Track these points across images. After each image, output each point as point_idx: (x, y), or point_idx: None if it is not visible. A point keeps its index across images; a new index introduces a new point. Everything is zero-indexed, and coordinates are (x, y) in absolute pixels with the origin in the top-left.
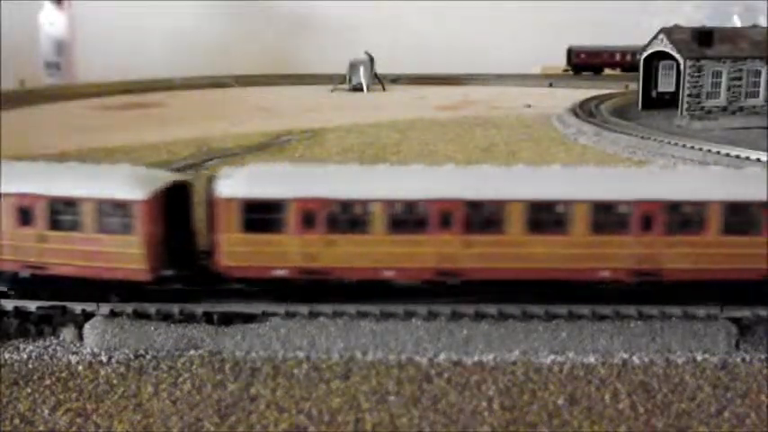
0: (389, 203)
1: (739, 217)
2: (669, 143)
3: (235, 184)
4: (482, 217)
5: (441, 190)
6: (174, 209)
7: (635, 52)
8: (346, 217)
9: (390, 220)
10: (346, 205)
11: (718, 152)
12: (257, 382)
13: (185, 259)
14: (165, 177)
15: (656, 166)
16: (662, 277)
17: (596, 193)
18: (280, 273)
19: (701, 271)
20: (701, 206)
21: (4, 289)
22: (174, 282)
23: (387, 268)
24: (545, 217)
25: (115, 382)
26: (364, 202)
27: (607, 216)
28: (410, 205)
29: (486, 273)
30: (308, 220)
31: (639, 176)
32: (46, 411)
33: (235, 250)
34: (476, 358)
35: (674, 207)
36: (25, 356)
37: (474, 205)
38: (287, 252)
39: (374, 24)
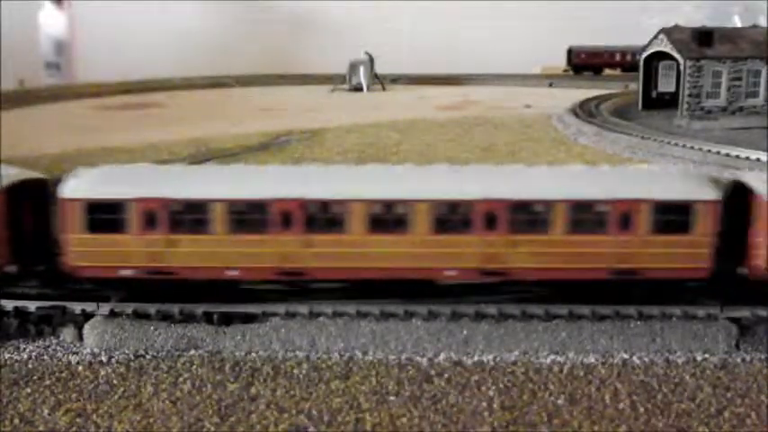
0: (232, 203)
1: (585, 216)
2: (669, 143)
3: (79, 184)
4: (324, 217)
5: (281, 190)
6: (32, 207)
7: (635, 52)
8: (188, 217)
9: (232, 220)
10: (188, 205)
11: (718, 152)
12: (257, 382)
13: (43, 257)
14: (17, 175)
15: (508, 165)
16: (509, 276)
17: (438, 193)
18: (126, 272)
19: (547, 270)
20: (547, 205)
21: None
22: (23, 278)
23: (229, 268)
24: (386, 216)
25: (115, 382)
26: (205, 203)
27: (450, 215)
28: (252, 205)
29: (329, 273)
30: (150, 221)
31: (484, 175)
32: (46, 411)
33: (81, 250)
34: (476, 358)
35: (519, 207)
36: (25, 356)
37: (315, 205)
38: (131, 252)
39: (374, 24)
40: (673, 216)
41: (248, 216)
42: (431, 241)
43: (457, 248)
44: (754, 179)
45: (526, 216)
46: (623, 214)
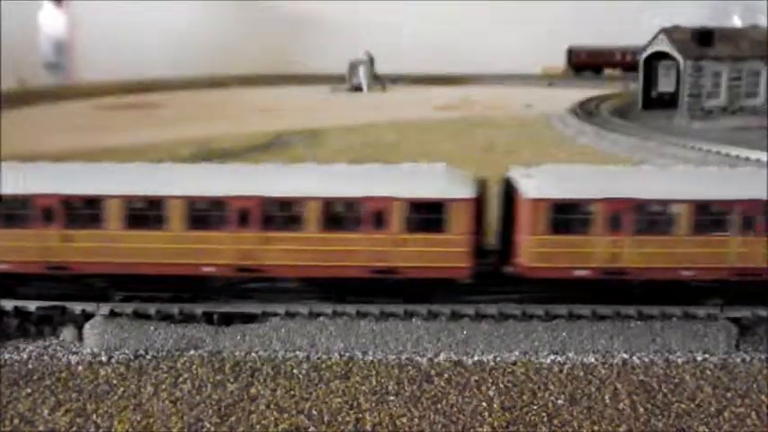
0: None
1: (339, 214)
2: (669, 143)
3: None
4: (79, 212)
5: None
6: None
7: (635, 52)
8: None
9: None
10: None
11: (718, 152)
12: (257, 382)
13: None
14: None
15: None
16: (265, 273)
17: (192, 190)
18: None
19: (304, 267)
20: (301, 203)
21: None
22: None
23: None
24: (145, 213)
25: (115, 382)
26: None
27: (205, 212)
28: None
29: (89, 267)
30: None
31: (241, 173)
32: (46, 411)
33: None
34: (476, 358)
35: (274, 204)
36: (25, 356)
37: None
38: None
39: (374, 24)
40: (427, 214)
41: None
42: (187, 237)
43: (212, 245)
44: (521, 176)
45: (280, 213)
46: (377, 212)
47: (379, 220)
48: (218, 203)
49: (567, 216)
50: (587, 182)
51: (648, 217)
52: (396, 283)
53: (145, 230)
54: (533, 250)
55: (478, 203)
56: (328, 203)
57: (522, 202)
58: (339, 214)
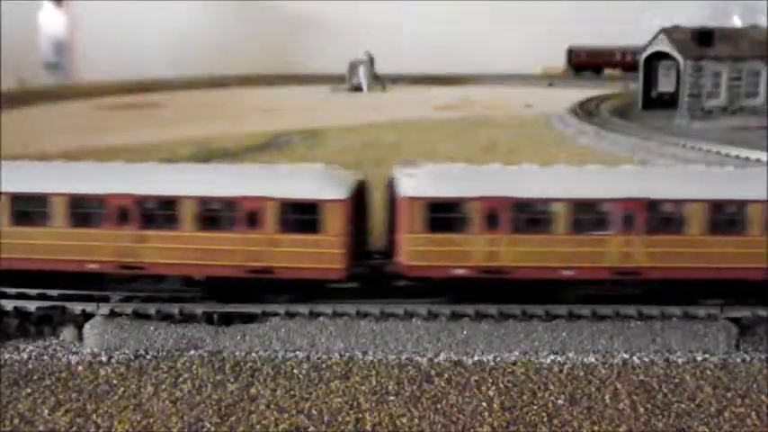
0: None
1: (215, 213)
2: (669, 143)
3: None
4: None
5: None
6: None
7: (635, 52)
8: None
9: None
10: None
11: (718, 152)
12: (257, 382)
13: None
14: None
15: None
16: (145, 271)
17: (75, 188)
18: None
19: (180, 266)
20: (175, 202)
21: None
22: None
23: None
24: (32, 210)
25: (115, 382)
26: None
27: (88, 210)
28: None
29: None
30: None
31: (127, 172)
32: (46, 411)
33: None
34: (476, 358)
35: (151, 202)
36: (25, 356)
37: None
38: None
39: (374, 24)
40: (301, 215)
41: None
42: (69, 234)
43: (94, 242)
44: (403, 175)
45: (157, 212)
46: (251, 212)
47: (253, 219)
48: (98, 201)
49: (444, 215)
50: (466, 181)
51: (526, 216)
52: (275, 282)
53: (30, 227)
54: (411, 249)
55: (354, 204)
56: (204, 202)
57: (399, 201)
58: (215, 213)
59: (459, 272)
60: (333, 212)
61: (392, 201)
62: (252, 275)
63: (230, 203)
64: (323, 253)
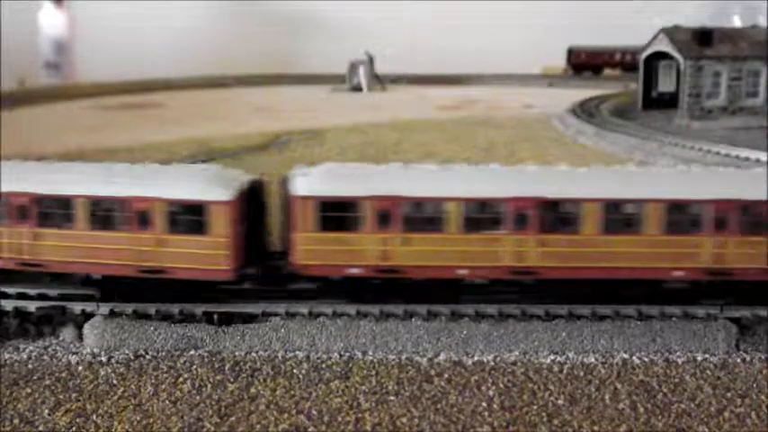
0: None
1: (109, 213)
2: (669, 143)
3: None
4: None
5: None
6: None
7: (635, 52)
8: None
9: None
10: None
11: (718, 152)
12: (257, 382)
13: None
14: None
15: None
16: (43, 268)
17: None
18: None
19: (76, 264)
20: (69, 201)
21: None
22: None
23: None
24: None
25: (115, 382)
26: None
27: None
28: None
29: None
30: None
31: (30, 170)
32: (46, 411)
33: None
34: (476, 358)
35: (47, 201)
36: (25, 356)
37: None
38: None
39: (375, 24)
40: (189, 216)
41: None
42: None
43: (5, 239)
44: (298, 175)
45: (53, 210)
46: (142, 212)
47: (144, 220)
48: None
49: (336, 214)
50: (360, 180)
51: (419, 215)
52: (168, 282)
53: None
54: (304, 248)
55: (243, 205)
56: (96, 202)
57: (292, 200)
58: (108, 213)
59: (354, 271)
60: (218, 214)
61: (286, 200)
62: (145, 275)
63: (121, 203)
64: (209, 254)
